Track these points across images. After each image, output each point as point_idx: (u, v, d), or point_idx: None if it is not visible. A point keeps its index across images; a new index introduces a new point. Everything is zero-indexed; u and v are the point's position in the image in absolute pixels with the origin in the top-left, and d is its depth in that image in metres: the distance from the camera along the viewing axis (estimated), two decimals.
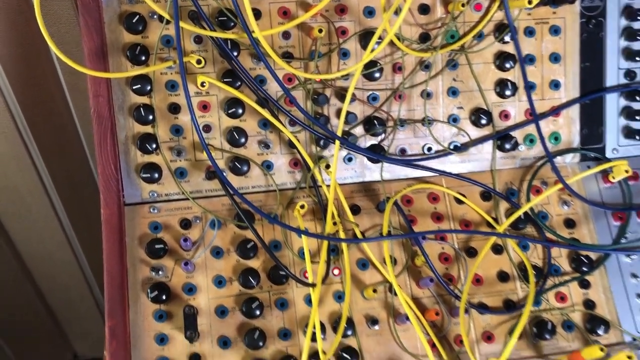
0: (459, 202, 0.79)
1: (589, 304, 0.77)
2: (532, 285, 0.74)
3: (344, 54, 0.75)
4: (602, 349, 0.68)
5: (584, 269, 0.78)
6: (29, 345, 1.67)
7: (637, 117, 0.83)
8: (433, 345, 0.73)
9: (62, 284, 1.53)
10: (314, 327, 0.69)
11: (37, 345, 1.69)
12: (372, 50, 0.70)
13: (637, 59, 0.81)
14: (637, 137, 0.83)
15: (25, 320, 1.58)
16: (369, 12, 0.75)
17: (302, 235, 0.72)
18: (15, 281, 1.44)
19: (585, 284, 0.78)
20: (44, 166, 1.20)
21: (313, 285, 0.70)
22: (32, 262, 1.43)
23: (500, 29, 0.78)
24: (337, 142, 0.73)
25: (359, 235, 0.74)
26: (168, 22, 0.70)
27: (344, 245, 0.73)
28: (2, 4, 0.90)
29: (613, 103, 0.83)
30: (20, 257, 1.39)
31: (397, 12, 0.73)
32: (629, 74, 0.82)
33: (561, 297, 0.77)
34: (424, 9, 0.77)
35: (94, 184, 1.28)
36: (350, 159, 0.78)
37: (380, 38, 0.72)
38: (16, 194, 1.25)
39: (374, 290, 0.72)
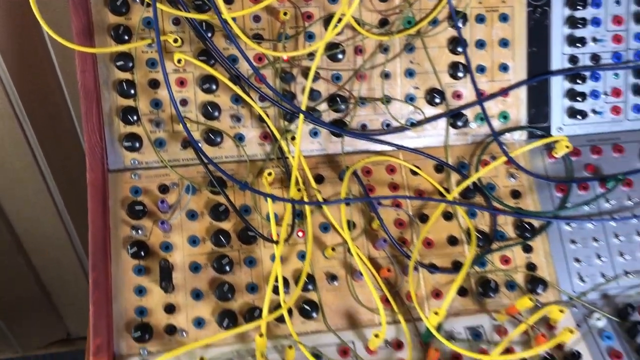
0: (414, 173, 0.87)
1: (530, 267, 0.85)
2: (472, 245, 0.81)
3: (310, 37, 0.83)
4: (530, 299, 0.76)
5: (527, 235, 0.86)
6: (24, 323, 1.74)
7: (579, 99, 0.90)
8: (387, 300, 0.80)
9: (55, 261, 1.60)
10: (276, 280, 0.76)
11: (32, 322, 1.75)
12: (334, 28, 0.77)
13: (579, 45, 0.89)
14: (579, 117, 0.91)
15: (20, 297, 1.64)
16: None
17: (269, 199, 0.79)
18: (10, 258, 1.50)
19: (528, 249, 0.86)
20: (38, 145, 1.27)
21: (276, 242, 0.78)
22: (26, 238, 1.49)
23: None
24: (301, 115, 0.81)
25: (320, 200, 0.82)
26: (149, 5, 0.77)
27: (307, 209, 0.81)
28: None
29: (558, 85, 0.91)
30: (15, 233, 1.45)
31: None
32: (572, 59, 0.90)
33: (505, 260, 0.85)
34: None
35: (85, 163, 1.35)
36: (315, 133, 0.85)
37: (340, 20, 0.80)
38: (12, 172, 1.31)
39: (333, 249, 0.80)
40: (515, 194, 0.88)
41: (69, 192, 1.41)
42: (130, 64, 0.79)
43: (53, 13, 1.03)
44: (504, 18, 0.87)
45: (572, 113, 0.91)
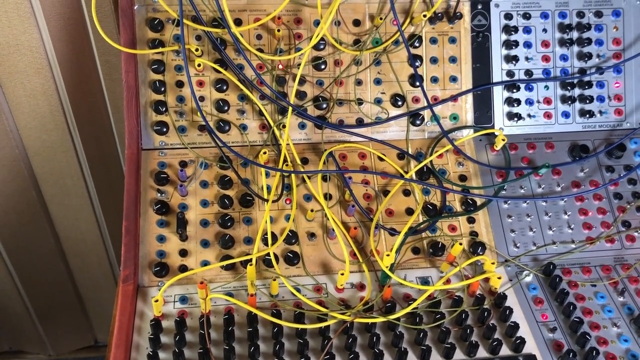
0: (381, 160, 1.09)
1: (473, 234, 1.05)
2: (417, 212, 1.03)
3: (299, 51, 1.08)
4: (460, 244, 0.96)
5: (471, 209, 1.06)
6: (58, 327, 1.91)
7: (515, 105, 1.13)
8: (355, 255, 1.01)
9: (90, 268, 1.78)
10: (265, 233, 0.98)
11: (65, 327, 1.92)
12: (317, 37, 1.03)
13: (514, 62, 1.12)
14: (516, 120, 1.13)
15: (56, 301, 1.82)
16: (317, 22, 1.08)
17: (262, 169, 1.02)
18: (52, 262, 1.70)
19: (471, 220, 1.06)
20: (85, 156, 1.51)
21: (266, 200, 1.00)
22: (67, 244, 1.68)
23: (411, 38, 1.10)
24: (290, 108, 1.05)
25: (304, 175, 1.05)
26: (178, 24, 1.04)
27: (293, 180, 1.04)
28: (63, 24, 1.24)
29: (498, 94, 1.13)
30: (58, 236, 1.65)
31: (337, 23, 1.07)
32: (509, 73, 1.13)
33: (452, 228, 1.05)
34: (357, 23, 1.09)
35: (123, 174, 1.57)
36: (303, 126, 1.09)
37: (323, 39, 1.06)
38: (61, 180, 1.52)
39: (312, 210, 1.02)
40: (463, 178, 1.09)
41: (107, 203, 1.63)
42: (162, 68, 1.05)
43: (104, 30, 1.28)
44: (452, 40, 1.12)
45: (511, 116, 1.13)
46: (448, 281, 0.99)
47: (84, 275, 1.81)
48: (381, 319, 0.91)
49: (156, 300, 0.90)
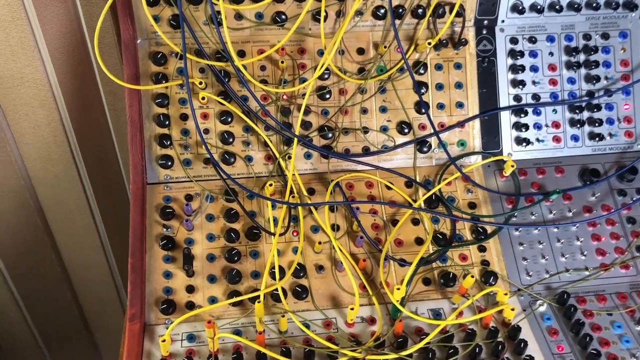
0: (389, 188, 1.08)
1: (484, 263, 1.03)
2: (427, 241, 1.01)
3: (303, 81, 1.07)
4: (472, 276, 0.94)
5: (482, 237, 1.05)
6: (66, 354, 1.92)
7: (524, 129, 1.11)
8: (364, 287, 1.00)
9: (97, 295, 1.78)
10: (273, 267, 0.97)
11: (72, 354, 1.92)
12: (320, 69, 1.01)
13: (521, 87, 1.11)
14: (524, 144, 1.11)
15: (63, 328, 1.82)
16: (321, 52, 1.07)
17: (268, 202, 1.01)
18: (58, 289, 1.70)
19: (482, 249, 1.04)
20: (90, 185, 1.51)
21: (273, 234, 0.99)
22: (73, 271, 1.69)
23: (416, 65, 1.09)
24: (295, 139, 1.04)
25: (311, 206, 1.03)
26: (181, 57, 1.03)
27: (300, 212, 1.02)
28: (66, 56, 1.24)
29: (506, 119, 1.12)
30: (63, 264, 1.66)
31: (341, 52, 1.06)
32: (516, 97, 1.12)
33: (463, 257, 1.04)
34: (361, 51, 1.08)
35: (128, 203, 1.57)
36: (308, 156, 1.08)
37: (327, 69, 1.05)
38: (66, 208, 1.53)
39: (320, 243, 1.00)
40: (472, 205, 1.08)
41: (113, 230, 1.63)
42: (166, 102, 1.04)
43: (107, 64, 1.28)
44: (458, 66, 1.10)
45: (519, 141, 1.11)
46: (460, 314, 0.97)
47: (90, 302, 1.81)
48: (393, 356, 0.89)
49: (163, 340, 0.89)
